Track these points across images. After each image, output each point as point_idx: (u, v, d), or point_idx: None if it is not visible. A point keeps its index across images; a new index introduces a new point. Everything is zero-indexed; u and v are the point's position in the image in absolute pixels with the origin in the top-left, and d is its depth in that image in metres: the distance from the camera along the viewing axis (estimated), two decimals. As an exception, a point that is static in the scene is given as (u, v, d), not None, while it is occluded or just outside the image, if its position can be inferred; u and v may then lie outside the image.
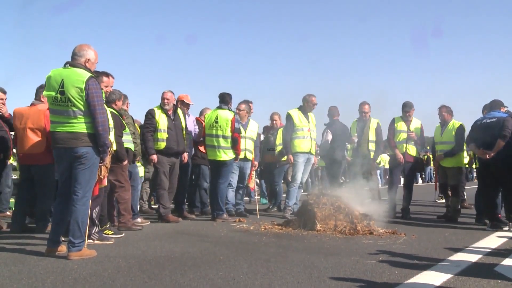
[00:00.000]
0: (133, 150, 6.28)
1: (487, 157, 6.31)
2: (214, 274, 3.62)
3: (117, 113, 5.93)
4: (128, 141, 6.16)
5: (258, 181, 11.11)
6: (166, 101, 7.00)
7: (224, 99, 7.38)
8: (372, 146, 7.79)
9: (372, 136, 7.81)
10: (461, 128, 7.42)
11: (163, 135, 6.88)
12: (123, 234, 5.49)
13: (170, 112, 7.02)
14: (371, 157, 7.76)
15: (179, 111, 7.26)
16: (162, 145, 6.88)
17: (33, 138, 5.65)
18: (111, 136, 5.10)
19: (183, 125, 7.18)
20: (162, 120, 6.91)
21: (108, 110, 5.78)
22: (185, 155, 7.28)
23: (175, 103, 7.32)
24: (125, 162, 5.97)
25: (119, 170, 5.91)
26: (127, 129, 6.14)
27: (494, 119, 6.40)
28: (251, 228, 6.28)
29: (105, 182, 4.74)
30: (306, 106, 7.83)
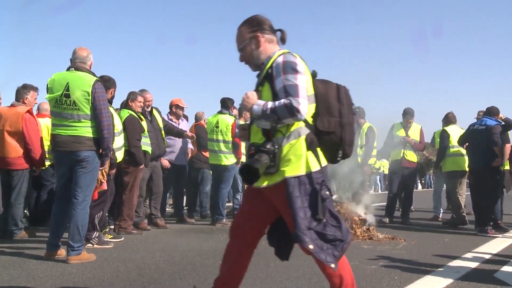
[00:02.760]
0: (150, 153, 6.13)
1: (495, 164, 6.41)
2: (213, 279, 3.61)
3: (136, 116, 5.88)
4: (146, 144, 6.06)
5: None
6: (148, 103, 6.35)
7: (225, 104, 7.38)
8: (360, 151, 7.27)
9: (362, 141, 7.49)
10: (443, 132, 7.69)
11: (145, 139, 6.22)
12: (122, 238, 5.48)
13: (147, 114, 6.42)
14: (359, 161, 7.38)
15: (155, 111, 6.66)
16: (145, 149, 6.14)
17: (10, 141, 5.36)
18: (121, 141, 5.12)
19: (161, 125, 6.68)
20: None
21: (128, 113, 5.81)
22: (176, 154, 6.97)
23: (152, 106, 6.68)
24: (142, 166, 5.95)
25: (136, 173, 5.86)
26: (146, 131, 6.03)
27: (484, 127, 6.59)
28: (251, 233, 6.25)
29: (105, 186, 4.74)
30: None
